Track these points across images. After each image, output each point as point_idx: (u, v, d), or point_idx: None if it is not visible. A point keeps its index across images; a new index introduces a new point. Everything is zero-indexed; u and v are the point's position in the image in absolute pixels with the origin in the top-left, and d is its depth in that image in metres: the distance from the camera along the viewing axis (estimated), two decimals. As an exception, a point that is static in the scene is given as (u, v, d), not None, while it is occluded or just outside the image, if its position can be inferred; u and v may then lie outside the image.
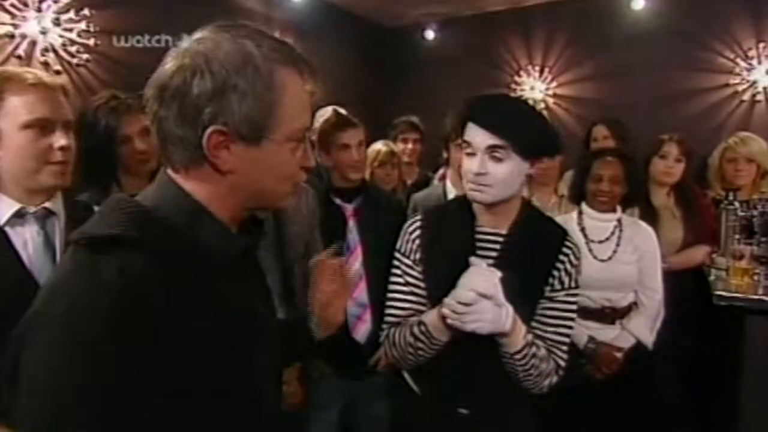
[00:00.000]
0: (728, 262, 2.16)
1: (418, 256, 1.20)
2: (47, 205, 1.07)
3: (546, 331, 1.15)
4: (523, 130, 1.09)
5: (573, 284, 1.16)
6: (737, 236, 2.20)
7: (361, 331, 1.76)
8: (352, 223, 1.81)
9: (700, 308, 2.07)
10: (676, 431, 2.10)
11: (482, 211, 1.18)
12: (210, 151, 0.63)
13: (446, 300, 1.06)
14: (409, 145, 2.80)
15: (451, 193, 2.00)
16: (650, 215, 2.17)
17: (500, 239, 1.15)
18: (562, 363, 1.15)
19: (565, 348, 1.16)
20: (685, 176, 2.30)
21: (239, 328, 0.69)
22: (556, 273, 1.14)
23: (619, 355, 1.79)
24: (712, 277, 2.16)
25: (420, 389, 1.25)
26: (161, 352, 0.57)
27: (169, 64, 0.65)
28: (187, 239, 0.65)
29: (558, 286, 1.15)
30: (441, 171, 2.46)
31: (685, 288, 2.12)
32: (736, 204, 2.27)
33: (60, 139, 1.04)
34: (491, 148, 1.09)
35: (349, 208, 1.82)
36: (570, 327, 1.17)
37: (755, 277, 2.06)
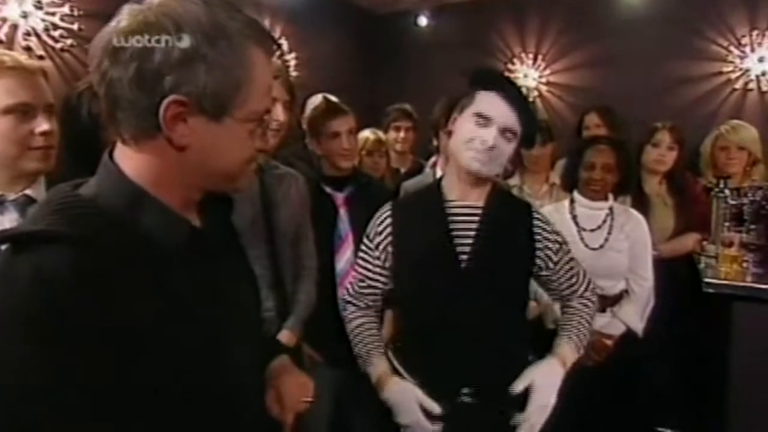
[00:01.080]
0: (718, 250, 2.17)
1: (390, 249, 1.23)
2: (28, 192, 1.04)
3: (562, 285, 1.25)
4: (532, 119, 1.16)
5: (563, 252, 1.23)
6: (727, 224, 2.20)
7: (353, 320, 1.75)
8: (343, 212, 1.79)
9: (690, 295, 2.09)
10: (666, 417, 2.13)
11: (458, 186, 1.20)
12: (166, 122, 0.58)
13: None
14: (402, 134, 2.76)
15: (442, 181, 1.98)
16: (642, 203, 2.17)
17: (478, 212, 1.18)
18: (591, 293, 1.29)
19: (586, 279, 1.28)
20: (678, 164, 2.30)
21: (202, 320, 0.64)
22: (539, 252, 1.20)
23: (609, 342, 1.80)
24: (702, 265, 2.17)
25: (413, 378, 1.23)
26: (97, 353, 0.53)
27: (125, 22, 0.59)
28: (125, 228, 0.60)
29: (543, 264, 1.22)
30: (433, 159, 2.44)
31: (676, 275, 2.13)
32: (727, 192, 2.27)
33: (42, 124, 1.02)
34: (505, 129, 1.12)
35: (339, 197, 1.81)
36: (576, 263, 1.27)
37: (744, 264, 2.06)
